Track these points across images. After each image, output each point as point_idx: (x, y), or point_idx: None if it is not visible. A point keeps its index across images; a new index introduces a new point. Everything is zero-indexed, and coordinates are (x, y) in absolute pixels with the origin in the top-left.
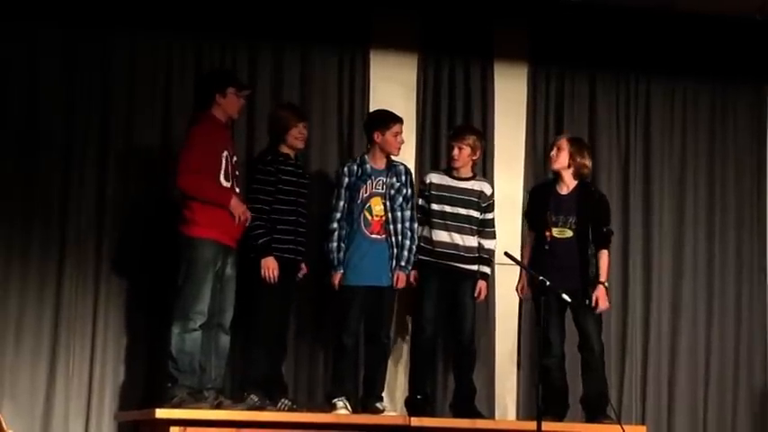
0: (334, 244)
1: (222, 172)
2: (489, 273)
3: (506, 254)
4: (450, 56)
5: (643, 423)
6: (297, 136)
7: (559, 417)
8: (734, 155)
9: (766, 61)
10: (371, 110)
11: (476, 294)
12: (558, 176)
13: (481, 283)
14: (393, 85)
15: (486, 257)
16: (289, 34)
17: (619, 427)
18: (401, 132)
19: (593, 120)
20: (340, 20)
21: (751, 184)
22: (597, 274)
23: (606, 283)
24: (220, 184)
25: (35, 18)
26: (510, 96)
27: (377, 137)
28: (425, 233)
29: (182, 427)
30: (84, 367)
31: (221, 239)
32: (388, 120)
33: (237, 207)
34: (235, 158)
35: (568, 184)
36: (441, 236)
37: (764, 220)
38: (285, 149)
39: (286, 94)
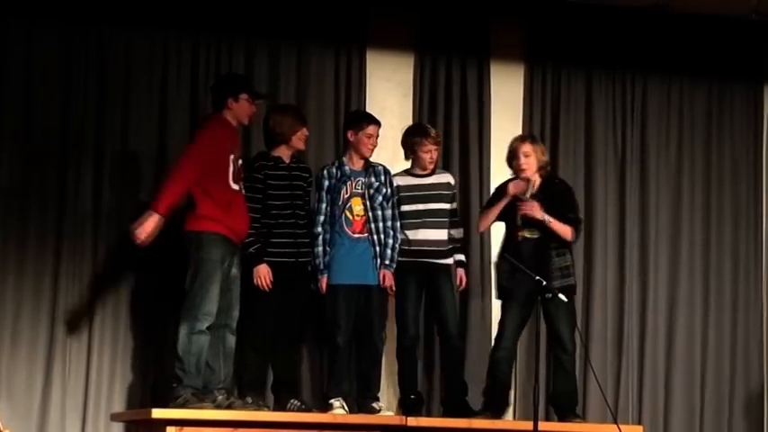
0: (320, 248)
1: (231, 174)
2: (465, 260)
3: (505, 256)
4: (447, 55)
5: (640, 423)
6: (301, 137)
7: (496, 415)
8: (730, 153)
9: (762, 60)
10: (367, 109)
11: (458, 283)
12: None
13: (460, 271)
14: (389, 85)
15: (459, 246)
16: (285, 33)
17: (615, 426)
18: (375, 135)
19: (590, 118)
20: (337, 19)
21: (747, 182)
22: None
23: (545, 221)
24: (230, 186)
25: (31, 17)
26: (506, 95)
27: (350, 135)
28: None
29: (178, 427)
30: (80, 367)
31: (229, 236)
32: (361, 120)
33: (150, 224)
34: (240, 162)
35: (534, 183)
36: (416, 234)
37: (760, 217)
38: (281, 152)
39: (282, 93)
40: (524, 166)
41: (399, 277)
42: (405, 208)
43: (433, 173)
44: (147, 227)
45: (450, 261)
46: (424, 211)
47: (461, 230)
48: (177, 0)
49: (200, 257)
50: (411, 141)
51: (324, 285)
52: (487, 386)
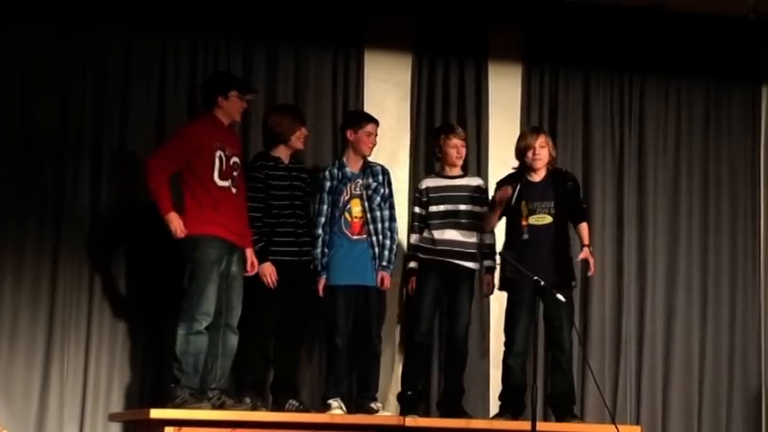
0: (319, 250)
1: (216, 171)
2: (494, 265)
3: (502, 255)
4: (445, 56)
5: (638, 424)
6: (300, 137)
7: (515, 416)
8: (727, 154)
9: (759, 60)
10: (365, 110)
11: (486, 289)
12: (528, 168)
13: (488, 277)
14: (387, 86)
15: (488, 252)
16: (283, 34)
17: (613, 427)
18: (375, 133)
19: (588, 118)
20: (334, 20)
21: (744, 183)
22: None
23: (590, 246)
24: (215, 182)
25: (29, 17)
26: (504, 96)
27: (349, 134)
28: (426, 234)
29: (176, 428)
30: (78, 368)
31: (225, 236)
32: (360, 119)
33: (174, 222)
34: (235, 159)
35: (540, 173)
36: (443, 234)
37: (758, 218)
38: (280, 152)
39: (280, 94)
40: (538, 159)
41: (421, 275)
42: (432, 208)
43: (464, 176)
44: (174, 226)
45: (474, 265)
46: (453, 211)
47: (492, 236)
48: (175, 1)
49: (195, 258)
50: (437, 140)
51: (321, 287)
52: (503, 391)
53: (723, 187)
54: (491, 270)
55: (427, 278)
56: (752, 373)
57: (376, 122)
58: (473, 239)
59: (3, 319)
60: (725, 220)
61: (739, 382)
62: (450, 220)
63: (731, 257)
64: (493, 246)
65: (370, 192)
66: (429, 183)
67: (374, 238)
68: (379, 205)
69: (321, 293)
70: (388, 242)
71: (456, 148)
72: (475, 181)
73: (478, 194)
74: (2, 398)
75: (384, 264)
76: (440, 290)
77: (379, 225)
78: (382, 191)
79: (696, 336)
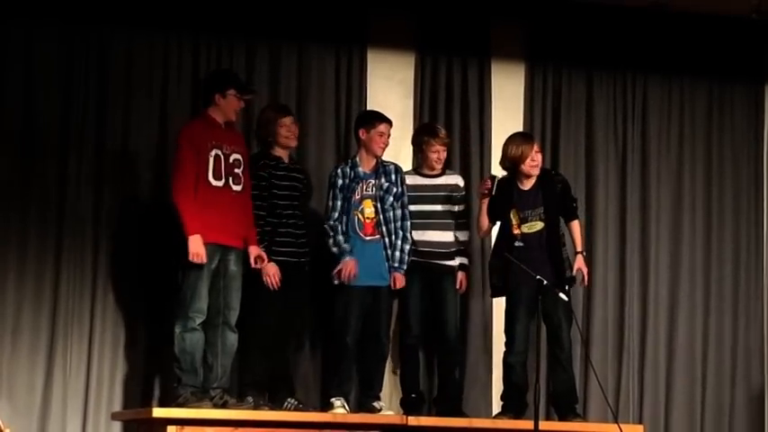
0: (340, 237)
1: (211, 171)
2: (468, 263)
3: (505, 255)
4: (448, 54)
5: (640, 422)
6: (286, 134)
7: (517, 415)
8: (730, 153)
9: (762, 60)
10: (368, 109)
11: (457, 286)
12: (520, 173)
13: (461, 275)
14: (390, 84)
15: (463, 249)
16: (286, 33)
17: (616, 426)
18: (387, 134)
19: (591, 118)
20: (337, 19)
21: (747, 182)
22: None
23: (584, 252)
24: (209, 183)
25: (31, 16)
26: (507, 95)
27: (362, 134)
28: None
29: (179, 426)
30: (81, 366)
31: (217, 240)
32: (373, 118)
33: (193, 246)
34: (236, 156)
35: (531, 179)
36: (423, 235)
37: (761, 217)
38: (278, 152)
39: (283, 93)
40: (536, 166)
41: (406, 277)
42: (411, 208)
43: (442, 174)
44: (196, 249)
45: (454, 263)
46: (431, 212)
47: (467, 233)
48: (178, 1)
49: (186, 256)
50: (419, 140)
51: (348, 271)
52: (505, 391)
53: (726, 185)
54: (464, 268)
55: (411, 280)
56: (755, 371)
57: (389, 122)
58: (450, 238)
59: (6, 316)
60: (728, 219)
61: (742, 379)
62: (428, 220)
63: (734, 257)
64: (466, 243)
65: (382, 192)
66: (408, 180)
67: (387, 239)
68: (391, 205)
69: (347, 280)
70: (399, 242)
71: (437, 153)
72: (453, 179)
73: (456, 193)
74: (5, 394)
75: (396, 265)
76: (425, 290)
77: (392, 225)
78: (395, 190)
79: (699, 334)
